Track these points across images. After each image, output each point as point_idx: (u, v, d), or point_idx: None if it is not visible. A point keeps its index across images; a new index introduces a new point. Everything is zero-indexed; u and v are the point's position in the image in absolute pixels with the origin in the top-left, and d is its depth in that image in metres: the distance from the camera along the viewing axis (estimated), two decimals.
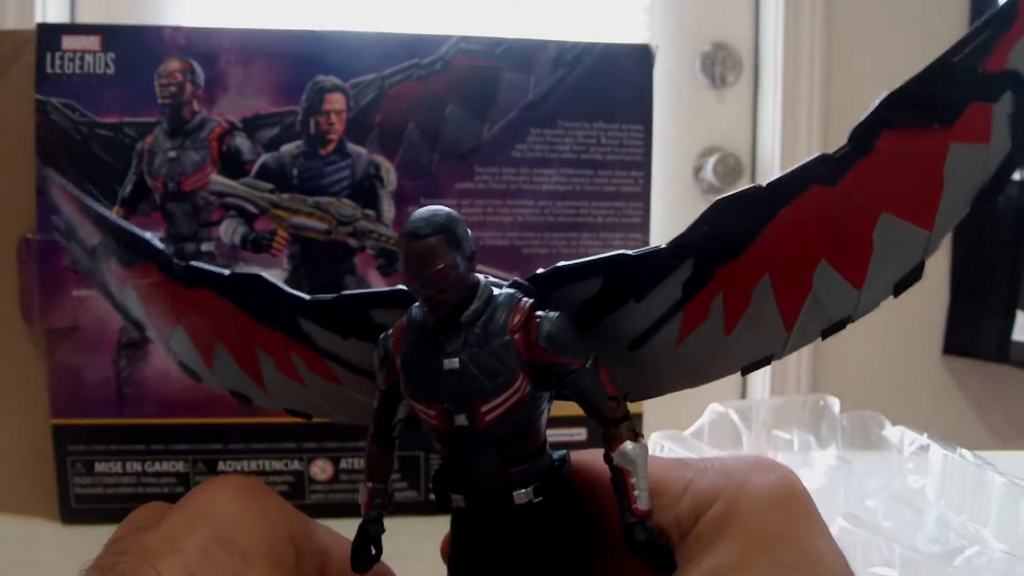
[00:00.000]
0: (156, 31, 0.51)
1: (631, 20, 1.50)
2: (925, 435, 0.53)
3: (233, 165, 0.51)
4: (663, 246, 0.24)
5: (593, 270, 0.25)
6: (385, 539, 0.27)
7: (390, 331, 0.25)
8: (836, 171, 0.22)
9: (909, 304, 0.24)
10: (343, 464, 0.53)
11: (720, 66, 1.53)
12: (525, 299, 0.24)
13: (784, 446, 0.56)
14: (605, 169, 0.54)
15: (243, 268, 0.50)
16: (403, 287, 0.26)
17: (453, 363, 0.23)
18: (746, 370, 0.25)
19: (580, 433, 0.53)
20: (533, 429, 0.25)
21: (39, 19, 1.32)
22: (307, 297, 0.27)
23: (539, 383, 0.24)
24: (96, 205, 0.31)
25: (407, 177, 0.52)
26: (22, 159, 0.50)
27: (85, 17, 1.35)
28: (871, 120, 0.22)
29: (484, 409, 0.23)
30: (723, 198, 0.24)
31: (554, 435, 0.27)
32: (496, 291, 0.24)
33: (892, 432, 0.56)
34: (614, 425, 0.24)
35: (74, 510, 0.52)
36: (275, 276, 0.32)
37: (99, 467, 0.52)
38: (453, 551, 0.26)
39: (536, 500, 0.25)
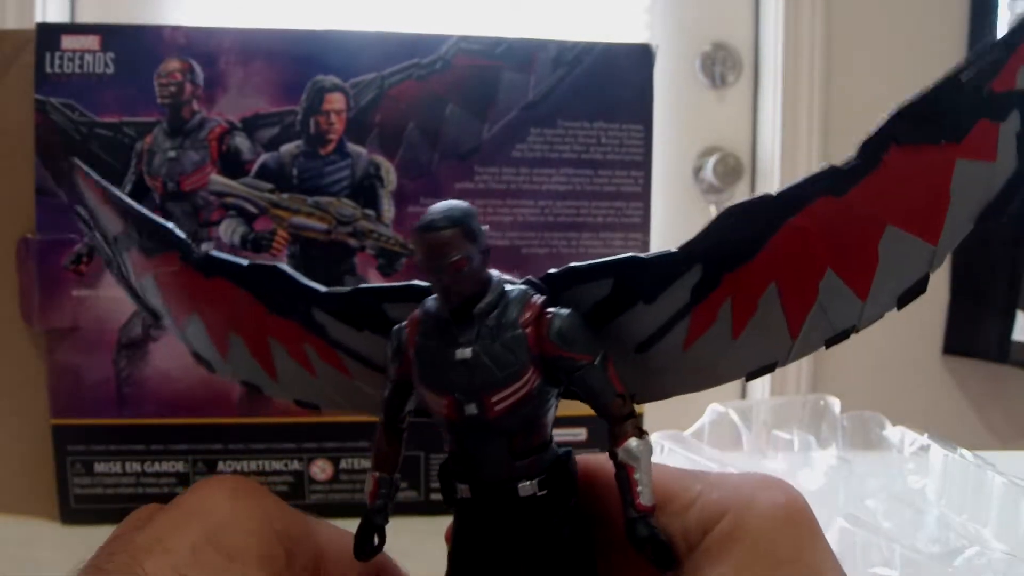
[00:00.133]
0: (156, 31, 0.51)
1: (631, 20, 1.50)
2: (925, 435, 0.53)
3: (233, 165, 0.51)
4: (674, 250, 0.24)
5: (605, 271, 0.25)
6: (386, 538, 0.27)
7: (404, 323, 0.26)
8: (844, 183, 0.23)
9: (909, 304, 0.25)
10: (343, 464, 0.53)
11: (720, 66, 1.53)
12: (537, 296, 0.25)
13: (784, 446, 0.56)
14: (605, 169, 0.54)
15: None
16: (417, 282, 0.26)
17: (465, 353, 0.24)
18: (751, 376, 0.26)
19: (580, 433, 0.53)
20: (540, 424, 0.25)
21: (39, 19, 1.32)
22: (323, 289, 0.28)
23: (548, 378, 0.25)
24: (121, 194, 0.31)
25: (407, 177, 0.52)
26: (22, 159, 0.50)
27: (85, 17, 1.35)
28: (880, 134, 0.22)
29: (494, 399, 0.24)
30: (734, 205, 0.24)
31: (555, 435, 0.27)
32: (509, 287, 0.25)
33: (892, 432, 0.56)
34: (620, 422, 0.24)
35: (74, 510, 0.52)
36: None
37: (99, 467, 0.52)
38: (456, 541, 0.27)
39: (540, 493, 0.25)
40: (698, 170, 1.55)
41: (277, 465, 0.53)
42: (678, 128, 1.51)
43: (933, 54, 1.55)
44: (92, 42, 0.50)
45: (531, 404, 0.24)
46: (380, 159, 0.52)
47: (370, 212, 0.52)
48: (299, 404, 0.31)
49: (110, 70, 0.50)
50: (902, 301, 0.24)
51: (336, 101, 0.51)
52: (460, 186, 0.53)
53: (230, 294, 0.29)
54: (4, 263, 0.51)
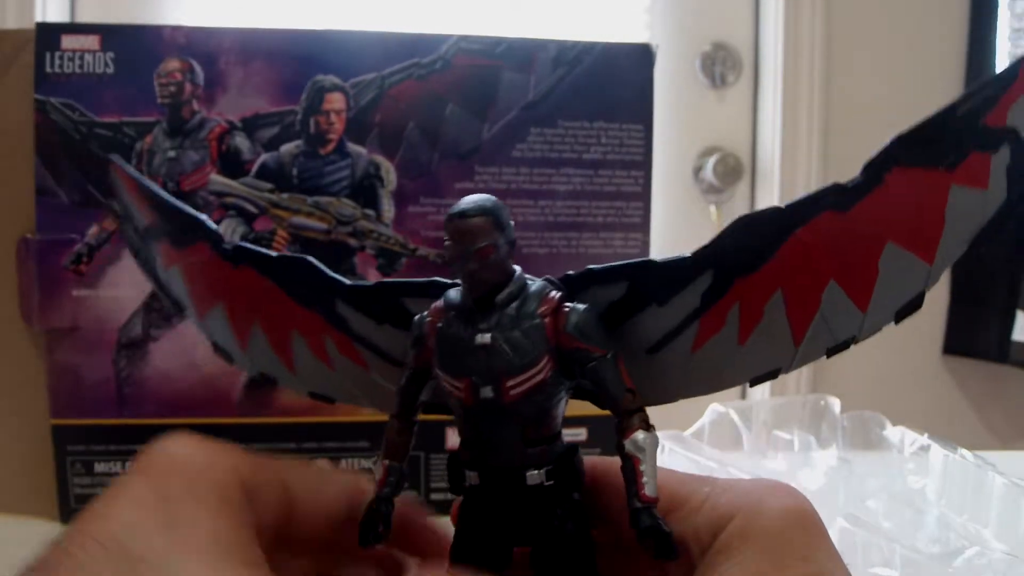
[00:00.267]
0: (156, 30, 0.51)
1: (631, 20, 1.50)
2: (926, 435, 0.53)
3: (233, 165, 0.51)
4: (688, 255, 0.26)
5: (621, 274, 0.26)
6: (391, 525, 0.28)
7: (426, 312, 0.27)
8: (849, 199, 0.24)
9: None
10: (344, 464, 0.53)
11: (720, 66, 1.53)
12: (555, 291, 0.26)
13: (784, 446, 0.56)
14: (605, 169, 0.54)
15: None
16: (439, 279, 0.27)
17: (485, 339, 0.25)
18: (755, 382, 0.27)
19: (581, 433, 0.53)
20: (551, 415, 0.26)
21: (39, 19, 1.32)
22: (348, 282, 0.29)
23: (562, 369, 0.26)
24: (154, 186, 0.32)
25: (407, 177, 0.52)
26: (21, 159, 0.50)
27: (85, 17, 1.35)
28: (882, 155, 0.24)
29: (510, 384, 0.25)
30: (745, 216, 0.25)
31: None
32: (529, 281, 0.26)
33: (892, 432, 0.56)
34: (628, 416, 0.25)
35: (74, 510, 0.52)
36: None
37: (99, 467, 0.52)
38: (460, 527, 0.27)
39: (547, 483, 0.26)
40: (698, 170, 1.55)
41: None
42: (678, 128, 1.51)
43: (933, 54, 1.55)
44: (92, 42, 0.50)
45: (544, 392, 0.25)
46: (380, 159, 0.52)
47: (370, 212, 0.52)
48: (314, 397, 0.31)
49: (110, 70, 0.50)
50: (899, 315, 0.25)
51: (336, 101, 0.51)
52: (460, 186, 0.53)
53: (256, 284, 0.30)
54: (4, 263, 0.51)
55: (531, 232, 0.54)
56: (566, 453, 0.26)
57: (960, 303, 1.53)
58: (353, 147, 0.52)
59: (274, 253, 0.30)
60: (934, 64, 1.54)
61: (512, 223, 0.26)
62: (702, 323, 0.26)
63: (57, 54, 0.49)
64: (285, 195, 0.51)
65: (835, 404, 0.58)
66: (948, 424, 1.47)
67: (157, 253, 0.32)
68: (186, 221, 0.31)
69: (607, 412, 0.26)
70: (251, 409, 0.52)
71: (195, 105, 0.51)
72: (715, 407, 0.57)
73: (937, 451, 0.50)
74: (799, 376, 1.41)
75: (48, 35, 0.50)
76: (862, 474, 0.51)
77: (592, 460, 0.28)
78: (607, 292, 0.26)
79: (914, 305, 0.25)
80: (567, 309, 0.25)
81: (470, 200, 0.25)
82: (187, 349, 0.51)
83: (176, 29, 0.51)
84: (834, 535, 0.42)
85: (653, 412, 0.26)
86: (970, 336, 1.53)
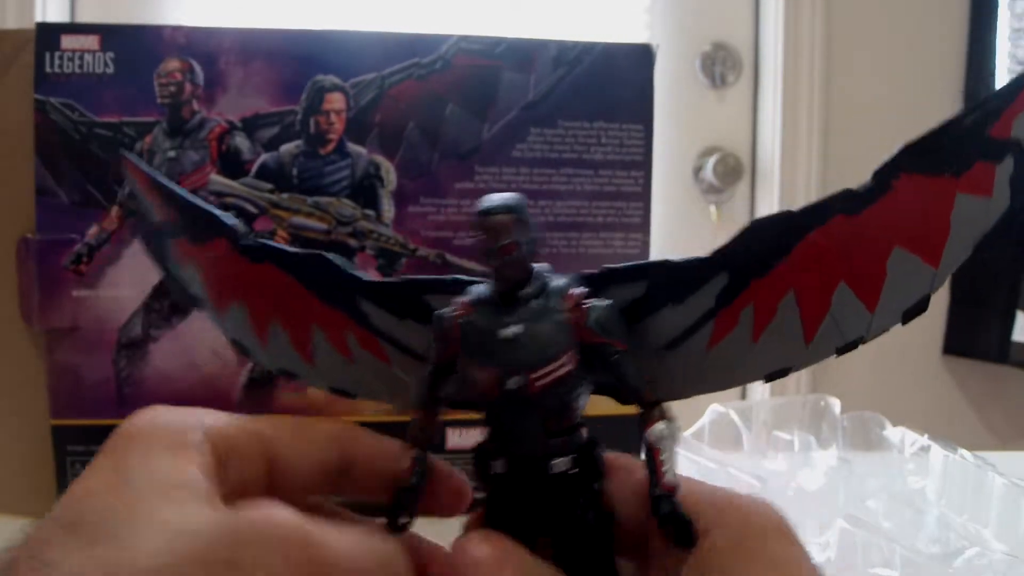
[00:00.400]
0: (156, 30, 0.51)
1: (631, 20, 1.51)
2: (926, 436, 0.53)
3: (232, 165, 0.51)
4: (706, 256, 0.27)
5: (640, 273, 0.27)
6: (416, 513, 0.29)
7: (450, 307, 0.27)
8: (858, 204, 0.26)
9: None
10: None
11: (720, 66, 1.53)
12: (578, 288, 0.27)
13: (784, 446, 0.56)
14: (605, 169, 0.54)
15: None
16: (462, 276, 0.29)
17: (510, 332, 0.26)
18: (768, 378, 0.28)
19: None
20: (572, 408, 0.27)
21: (39, 19, 1.32)
22: (369, 278, 0.30)
23: (584, 364, 0.26)
24: (168, 182, 0.32)
25: (407, 177, 0.52)
26: (21, 159, 0.50)
27: (85, 17, 1.35)
28: (891, 163, 0.25)
29: (535, 375, 0.25)
30: (759, 219, 0.27)
31: None
32: (553, 278, 0.27)
33: (893, 433, 0.56)
34: (650, 408, 0.26)
35: None
36: None
37: None
38: (487, 518, 0.28)
39: (572, 471, 0.27)
40: (698, 170, 1.55)
41: None
42: (678, 128, 1.51)
43: (933, 54, 1.55)
44: (92, 42, 0.50)
45: (567, 385, 0.26)
46: (380, 159, 0.52)
47: (370, 212, 0.52)
48: (334, 392, 0.32)
49: (110, 70, 0.50)
50: (906, 317, 0.26)
51: (336, 101, 0.51)
52: (460, 186, 0.53)
53: (277, 281, 0.30)
54: (4, 263, 0.51)
55: None
56: (588, 444, 0.27)
57: (960, 303, 1.53)
58: (353, 147, 0.52)
59: (293, 249, 0.30)
60: (934, 64, 1.54)
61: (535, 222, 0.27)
62: (717, 322, 0.27)
63: (57, 54, 0.49)
64: (285, 195, 0.51)
65: (835, 404, 0.58)
66: (948, 424, 1.47)
67: (174, 249, 0.32)
68: (202, 216, 0.31)
69: (607, 412, 0.27)
70: (251, 409, 0.52)
71: (195, 105, 0.51)
72: (715, 407, 0.57)
73: (937, 451, 0.50)
74: (799, 376, 1.41)
75: (48, 35, 0.50)
76: (862, 474, 0.51)
77: (608, 456, 0.28)
78: (626, 291, 0.27)
79: (920, 307, 0.26)
80: (588, 305, 0.26)
81: (496, 198, 0.26)
82: (187, 349, 0.51)
83: (176, 29, 0.51)
84: (834, 535, 0.42)
85: None
86: (970, 336, 1.53)
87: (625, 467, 0.28)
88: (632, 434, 0.27)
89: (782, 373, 0.27)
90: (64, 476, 0.52)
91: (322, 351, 0.31)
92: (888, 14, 1.53)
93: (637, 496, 0.26)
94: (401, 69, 0.52)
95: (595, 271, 0.28)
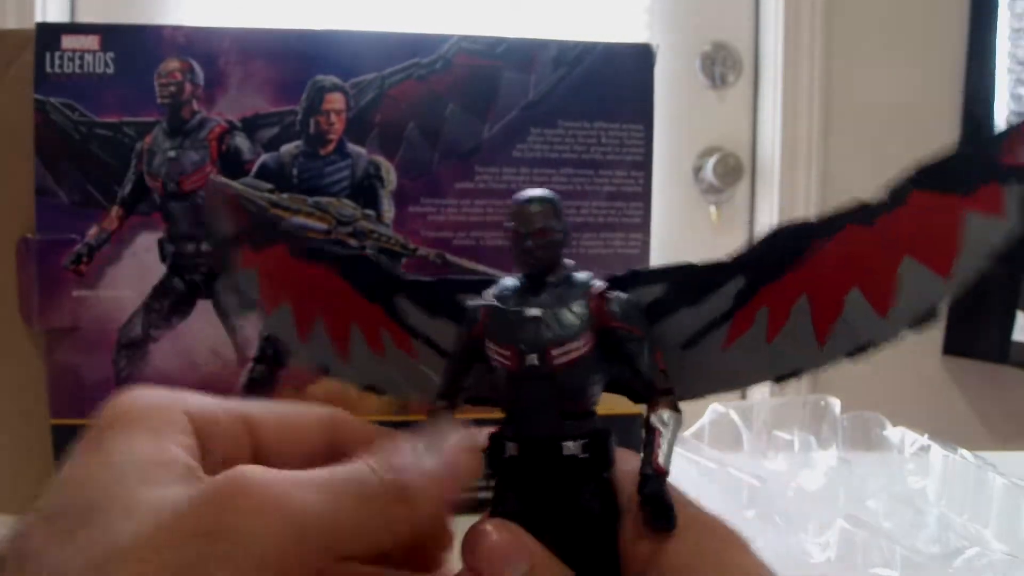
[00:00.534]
0: (156, 30, 0.51)
1: (631, 20, 1.51)
2: (926, 436, 0.53)
3: (233, 165, 0.51)
4: (726, 260, 0.28)
5: (663, 275, 0.29)
6: None
7: (481, 298, 0.29)
8: (872, 215, 0.27)
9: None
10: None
11: (720, 66, 1.54)
12: (600, 281, 0.28)
13: (784, 446, 0.56)
14: (605, 169, 0.54)
15: None
16: (495, 273, 0.30)
17: (534, 312, 0.27)
18: (779, 379, 0.29)
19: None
20: (588, 393, 0.28)
21: (39, 19, 1.32)
22: (410, 277, 0.32)
23: (603, 349, 0.28)
24: (255, 197, 0.36)
25: (407, 177, 0.52)
26: (21, 159, 0.50)
27: (85, 17, 1.35)
28: (905, 180, 0.27)
29: (555, 352, 0.27)
30: (779, 226, 0.28)
31: None
32: (578, 272, 0.29)
33: (893, 433, 0.56)
34: (660, 395, 0.27)
35: None
36: None
37: None
38: (495, 507, 0.28)
39: (582, 456, 0.27)
40: (698, 170, 1.55)
41: None
42: (678, 128, 1.51)
43: (933, 54, 1.55)
44: (92, 42, 0.50)
45: (585, 366, 0.27)
46: (380, 159, 0.52)
47: (370, 212, 0.52)
48: (364, 388, 0.34)
49: (110, 70, 0.50)
50: (916, 324, 0.28)
51: (336, 101, 0.51)
52: (460, 186, 0.53)
53: (326, 281, 0.33)
54: (4, 263, 0.51)
55: None
56: (600, 431, 0.28)
57: (960, 303, 1.53)
58: (353, 147, 0.52)
59: (342, 251, 0.33)
60: (934, 64, 1.54)
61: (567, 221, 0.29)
62: (733, 323, 0.29)
63: (57, 54, 0.49)
64: (285, 195, 0.51)
65: (835, 404, 0.58)
66: (948, 424, 1.46)
67: (238, 259, 0.35)
68: (266, 223, 0.35)
69: (607, 413, 0.28)
70: None
71: (195, 105, 0.51)
72: (715, 407, 0.57)
73: (937, 451, 0.50)
74: None
75: (48, 35, 0.50)
76: (862, 474, 0.51)
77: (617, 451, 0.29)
78: (647, 291, 0.29)
79: (930, 315, 0.28)
80: (610, 296, 0.28)
81: (535, 190, 0.29)
82: (187, 349, 0.51)
83: (176, 29, 0.51)
84: (834, 535, 0.42)
85: None
86: (970, 336, 1.53)
87: (635, 468, 0.28)
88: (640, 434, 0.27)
89: (794, 374, 0.29)
90: None
91: (357, 348, 0.33)
92: (888, 14, 1.53)
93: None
94: (401, 69, 0.52)
95: (620, 274, 0.29)
